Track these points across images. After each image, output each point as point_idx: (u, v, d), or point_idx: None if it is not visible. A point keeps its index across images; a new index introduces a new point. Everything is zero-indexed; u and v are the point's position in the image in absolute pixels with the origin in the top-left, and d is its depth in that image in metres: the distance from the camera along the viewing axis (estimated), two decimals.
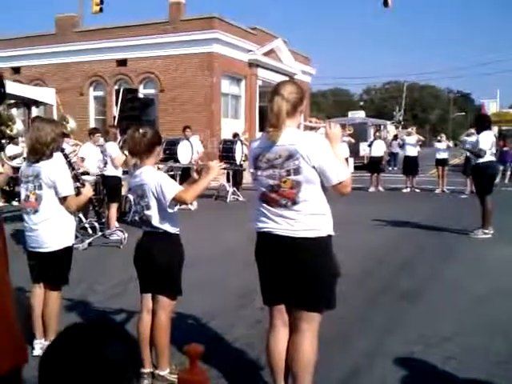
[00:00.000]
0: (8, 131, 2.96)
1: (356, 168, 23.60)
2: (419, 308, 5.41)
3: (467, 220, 9.74)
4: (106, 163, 9.26)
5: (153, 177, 3.61)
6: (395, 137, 30.49)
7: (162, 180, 3.57)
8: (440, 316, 5.13)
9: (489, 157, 9.03)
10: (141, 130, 3.68)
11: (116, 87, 20.90)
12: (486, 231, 8.97)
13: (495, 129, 23.09)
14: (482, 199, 9.02)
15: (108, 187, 9.46)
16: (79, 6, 25.23)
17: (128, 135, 3.83)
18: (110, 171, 9.25)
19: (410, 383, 3.72)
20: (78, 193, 4.28)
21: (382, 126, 33.22)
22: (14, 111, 14.44)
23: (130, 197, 9.51)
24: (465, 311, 5.25)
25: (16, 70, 25.11)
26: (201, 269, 6.43)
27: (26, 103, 13.52)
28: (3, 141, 3.13)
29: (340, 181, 2.96)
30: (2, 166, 4.26)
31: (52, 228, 4.12)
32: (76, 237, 6.59)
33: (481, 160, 8.97)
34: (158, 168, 5.74)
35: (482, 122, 9.35)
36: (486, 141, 8.91)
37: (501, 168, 17.93)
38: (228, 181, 15.04)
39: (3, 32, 26.78)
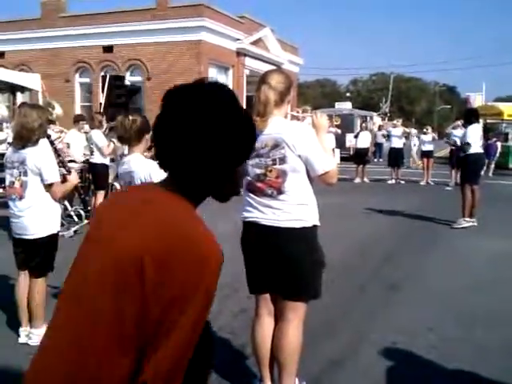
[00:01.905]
0: None
1: (342, 159, 23.65)
2: (402, 298, 5.47)
3: (451, 211, 9.82)
4: (92, 151, 9.19)
5: (142, 165, 3.60)
6: (380, 127, 30.46)
7: (152, 169, 3.55)
8: (422, 306, 5.20)
9: (478, 148, 9.23)
10: (130, 117, 3.68)
11: (102, 74, 20.68)
12: (468, 219, 9.11)
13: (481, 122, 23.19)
14: (462, 189, 9.18)
15: (95, 175, 9.39)
16: None
17: (118, 122, 3.82)
18: (97, 159, 9.18)
19: (394, 372, 3.77)
20: (63, 180, 4.25)
21: (368, 118, 33.23)
22: None
23: (117, 184, 9.52)
24: (446, 302, 5.32)
25: (0, 55, 24.77)
26: None
27: (12, 89, 13.36)
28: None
29: (325, 171, 2.95)
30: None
31: (37, 215, 4.09)
32: (62, 224, 6.56)
33: (470, 151, 9.11)
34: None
35: (471, 116, 9.45)
36: (474, 134, 9.06)
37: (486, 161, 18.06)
38: None
39: None
